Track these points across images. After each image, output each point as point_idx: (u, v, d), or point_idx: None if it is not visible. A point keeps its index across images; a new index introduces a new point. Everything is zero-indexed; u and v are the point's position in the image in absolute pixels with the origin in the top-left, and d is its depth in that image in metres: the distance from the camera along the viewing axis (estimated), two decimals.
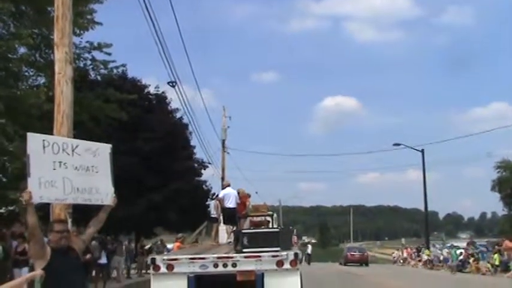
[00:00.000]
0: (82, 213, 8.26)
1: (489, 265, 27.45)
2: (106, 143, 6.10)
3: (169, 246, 23.63)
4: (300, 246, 54.78)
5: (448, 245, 41.23)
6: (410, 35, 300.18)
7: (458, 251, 32.50)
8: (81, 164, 5.57)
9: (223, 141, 38.23)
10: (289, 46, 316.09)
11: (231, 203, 15.33)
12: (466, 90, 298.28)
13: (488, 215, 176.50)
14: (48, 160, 5.25)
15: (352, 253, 46.57)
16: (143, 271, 23.73)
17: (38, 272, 4.43)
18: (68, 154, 5.46)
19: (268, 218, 15.46)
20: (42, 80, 17.12)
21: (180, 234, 19.71)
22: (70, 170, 5.43)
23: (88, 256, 10.99)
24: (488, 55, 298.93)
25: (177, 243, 18.04)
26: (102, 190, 5.72)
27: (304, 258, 48.79)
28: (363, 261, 44.72)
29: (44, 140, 5.33)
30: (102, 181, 5.76)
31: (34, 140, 5.22)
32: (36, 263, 4.86)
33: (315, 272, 29.75)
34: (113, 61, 19.08)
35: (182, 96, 27.41)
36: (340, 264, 46.55)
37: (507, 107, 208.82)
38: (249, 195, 17.15)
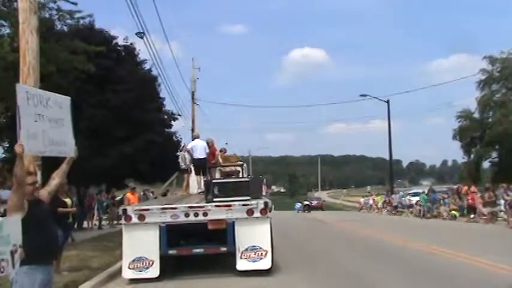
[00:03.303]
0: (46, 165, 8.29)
1: (450, 210, 28.44)
2: (74, 96, 5.99)
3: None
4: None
5: (411, 191, 42.82)
6: None
7: (413, 198, 34.13)
8: (54, 117, 5.50)
9: (192, 93, 38.03)
10: None
11: (200, 154, 15.51)
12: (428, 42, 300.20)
13: (449, 163, 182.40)
14: (31, 112, 5.13)
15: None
16: (115, 222, 23.97)
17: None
18: (44, 106, 5.36)
19: (239, 168, 15.57)
20: (6, 30, 16.64)
21: (131, 184, 18.47)
22: (46, 123, 5.34)
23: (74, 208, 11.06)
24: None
25: (127, 194, 16.73)
26: (68, 142, 5.70)
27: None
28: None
29: (27, 92, 5.21)
30: (68, 133, 5.75)
31: (21, 92, 5.06)
32: (11, 215, 4.76)
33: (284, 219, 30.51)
34: (79, 11, 18.69)
35: (151, 47, 27.18)
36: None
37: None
38: (221, 150, 17.31)
